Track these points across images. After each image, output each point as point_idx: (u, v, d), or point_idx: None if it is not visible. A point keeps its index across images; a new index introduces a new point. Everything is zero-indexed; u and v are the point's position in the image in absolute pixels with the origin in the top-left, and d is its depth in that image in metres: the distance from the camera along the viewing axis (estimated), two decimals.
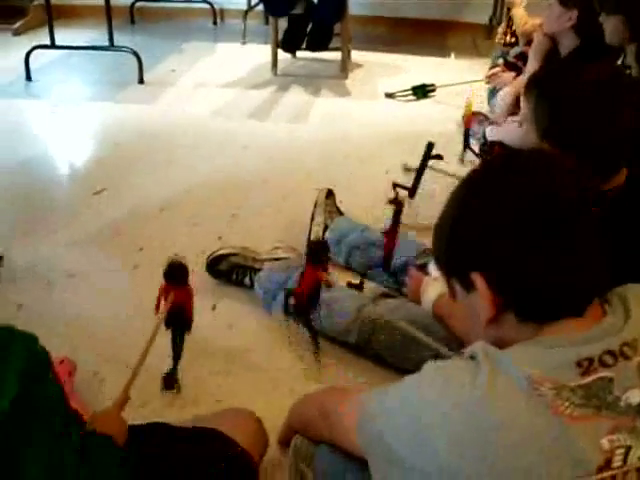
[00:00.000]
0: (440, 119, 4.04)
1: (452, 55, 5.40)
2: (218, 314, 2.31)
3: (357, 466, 1.23)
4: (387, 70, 5.02)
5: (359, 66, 5.20)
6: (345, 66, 4.99)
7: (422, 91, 4.45)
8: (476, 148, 3.43)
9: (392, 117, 4.22)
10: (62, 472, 1.07)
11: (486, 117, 3.72)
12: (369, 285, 2.36)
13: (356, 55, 5.29)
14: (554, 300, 1.00)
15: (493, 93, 3.92)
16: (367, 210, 2.90)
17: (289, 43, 4.88)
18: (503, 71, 3.96)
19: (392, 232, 2.35)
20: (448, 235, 1.10)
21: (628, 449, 0.91)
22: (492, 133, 3.40)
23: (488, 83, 4.05)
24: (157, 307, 1.86)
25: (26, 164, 3.44)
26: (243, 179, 3.31)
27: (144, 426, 1.52)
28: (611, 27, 2.45)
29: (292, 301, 2.10)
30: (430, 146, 2.78)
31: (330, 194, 2.78)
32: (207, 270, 2.43)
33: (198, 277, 2.39)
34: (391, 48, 5.40)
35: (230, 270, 2.41)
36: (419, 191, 2.72)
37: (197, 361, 2.08)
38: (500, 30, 4.48)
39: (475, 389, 0.94)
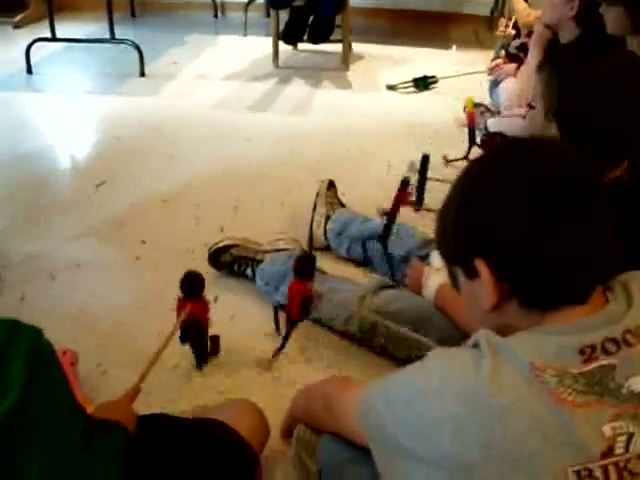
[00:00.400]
0: (442, 111, 4.03)
1: (453, 47, 5.39)
2: (220, 305, 2.30)
3: (360, 456, 1.23)
4: (388, 62, 5.01)
5: (360, 58, 5.19)
6: (346, 58, 4.98)
7: (423, 83, 4.45)
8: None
9: (394, 109, 4.21)
10: (67, 461, 1.07)
11: (488, 108, 3.72)
12: (370, 276, 2.36)
13: (357, 47, 5.28)
14: (558, 287, 1.00)
15: (495, 85, 3.92)
16: (369, 201, 2.89)
17: (290, 35, 4.88)
18: (505, 63, 3.96)
19: (396, 203, 2.33)
20: (452, 221, 1.09)
21: (630, 436, 0.91)
22: (494, 124, 3.40)
23: (490, 75, 4.05)
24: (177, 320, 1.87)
25: (27, 157, 3.44)
26: (245, 171, 3.31)
27: (146, 417, 1.52)
28: (612, 18, 2.44)
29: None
30: (425, 159, 2.78)
31: (332, 186, 2.78)
32: (209, 262, 2.43)
33: (200, 269, 2.39)
34: (392, 40, 5.40)
35: (232, 262, 2.41)
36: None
37: None
38: (502, 21, 4.47)
39: (478, 377, 0.94)
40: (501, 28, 4.35)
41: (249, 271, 2.38)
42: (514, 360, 0.95)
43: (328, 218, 2.60)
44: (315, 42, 4.86)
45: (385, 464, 1.09)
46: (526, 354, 0.94)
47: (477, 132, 3.38)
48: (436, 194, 2.82)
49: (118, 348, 2.09)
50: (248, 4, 5.78)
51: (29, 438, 1.00)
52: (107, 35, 4.80)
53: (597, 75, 1.61)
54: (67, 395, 1.11)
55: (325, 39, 4.83)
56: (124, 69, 4.70)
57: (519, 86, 3.61)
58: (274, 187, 3.14)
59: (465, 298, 1.15)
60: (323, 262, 2.42)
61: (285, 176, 3.26)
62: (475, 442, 0.92)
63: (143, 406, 1.61)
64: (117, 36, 4.81)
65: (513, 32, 4.24)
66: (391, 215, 2.31)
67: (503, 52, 4.15)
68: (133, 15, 6.19)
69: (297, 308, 1.98)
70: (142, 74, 4.65)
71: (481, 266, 1.02)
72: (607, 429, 0.91)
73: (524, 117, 3.20)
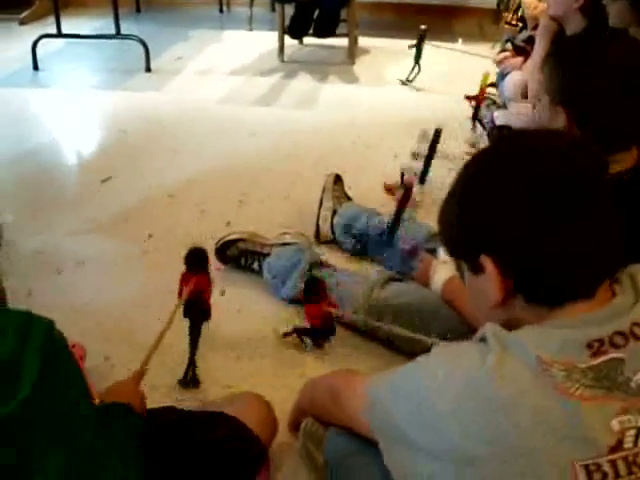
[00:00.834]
0: (448, 104, 4.02)
1: (459, 40, 5.38)
2: (227, 299, 2.31)
3: (366, 449, 1.23)
4: (394, 56, 4.99)
5: (366, 52, 5.18)
6: (352, 52, 4.97)
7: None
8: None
9: (399, 103, 4.20)
10: (85, 451, 1.07)
11: (494, 101, 3.71)
12: (377, 269, 2.36)
13: (363, 41, 5.27)
14: (561, 285, 0.99)
15: (502, 77, 3.90)
16: (375, 194, 2.89)
17: (296, 29, 4.87)
18: (513, 56, 3.95)
19: (402, 201, 2.33)
20: (457, 216, 1.08)
21: (638, 430, 0.91)
22: (501, 117, 3.39)
23: (497, 67, 4.04)
24: (180, 293, 1.89)
25: (34, 152, 3.44)
26: (251, 165, 3.30)
27: (154, 410, 1.53)
28: (615, 11, 2.43)
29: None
30: (438, 132, 2.78)
31: (338, 179, 2.78)
32: (216, 256, 2.43)
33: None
34: (398, 34, 5.37)
35: (239, 255, 2.41)
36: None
37: (206, 346, 2.08)
38: (508, 14, 4.46)
39: (484, 370, 0.94)
40: (507, 21, 4.34)
41: (256, 265, 2.39)
42: (521, 354, 0.94)
43: (334, 212, 2.60)
44: (321, 36, 4.86)
45: (392, 456, 1.09)
46: (533, 348, 0.94)
47: (484, 124, 3.39)
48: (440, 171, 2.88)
49: (125, 342, 2.09)
50: None
51: (45, 428, 1.01)
52: (112, 31, 4.81)
53: (602, 61, 1.62)
54: (82, 384, 1.12)
55: (331, 33, 4.83)
56: (129, 64, 4.70)
57: (525, 79, 3.60)
58: (280, 181, 3.14)
59: (469, 292, 1.15)
60: (330, 256, 2.43)
61: (291, 170, 3.25)
62: (480, 435, 0.92)
63: (151, 400, 1.61)
64: (122, 32, 4.81)
65: (519, 25, 4.23)
66: (395, 219, 2.31)
67: (509, 45, 4.14)
68: (138, 10, 6.19)
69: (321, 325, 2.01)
70: (147, 69, 4.65)
71: (487, 262, 1.02)
72: (615, 423, 0.90)
73: (534, 107, 3.19)
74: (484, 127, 3.45)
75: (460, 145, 3.32)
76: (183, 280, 1.90)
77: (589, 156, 1.02)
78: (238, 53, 5.11)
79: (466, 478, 0.94)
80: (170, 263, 2.13)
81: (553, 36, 3.16)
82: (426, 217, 2.57)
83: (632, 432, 0.90)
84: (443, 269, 2.01)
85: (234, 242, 2.42)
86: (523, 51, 3.85)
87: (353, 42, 5.00)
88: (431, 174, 2.90)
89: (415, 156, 3.12)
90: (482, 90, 3.41)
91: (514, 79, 3.71)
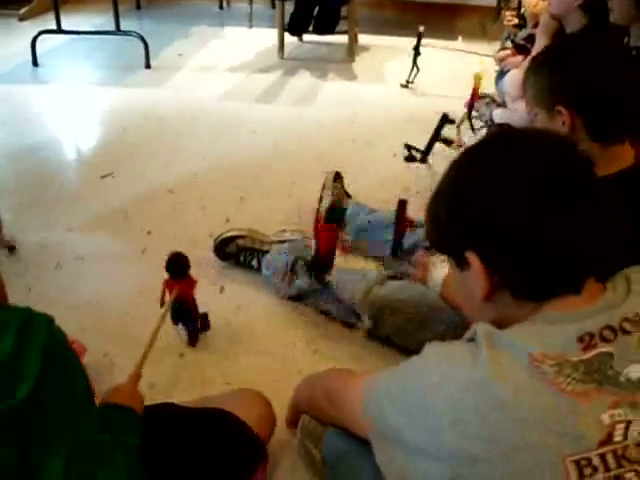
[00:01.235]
0: (447, 102, 4.02)
1: (459, 38, 5.37)
2: (226, 296, 2.31)
3: (365, 447, 1.23)
4: (394, 53, 5.00)
5: (366, 49, 5.19)
6: (352, 49, 4.98)
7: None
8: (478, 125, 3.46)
9: (399, 100, 4.21)
10: (87, 447, 1.08)
11: (493, 99, 3.71)
12: (376, 267, 2.36)
13: (363, 38, 5.28)
14: (549, 278, 0.99)
15: (501, 75, 3.90)
16: (375, 192, 2.89)
17: (296, 27, 4.88)
18: (513, 54, 3.95)
19: (399, 224, 2.33)
20: (444, 212, 1.08)
21: (628, 424, 0.91)
22: (500, 115, 3.39)
23: (498, 65, 4.03)
24: (162, 299, 1.93)
25: (33, 149, 3.44)
26: (251, 162, 3.31)
27: (153, 407, 1.53)
28: (618, 7, 2.43)
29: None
30: (445, 117, 2.80)
31: (338, 177, 2.77)
32: (215, 252, 2.43)
33: (206, 260, 2.40)
34: (398, 31, 5.38)
35: (238, 252, 2.41)
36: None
37: (205, 342, 2.09)
38: (508, 13, 4.45)
39: (476, 369, 0.95)
40: (507, 18, 4.34)
41: (254, 262, 2.39)
42: (513, 351, 0.94)
43: None
44: (320, 33, 4.86)
45: (385, 457, 1.08)
46: (525, 345, 0.94)
47: (480, 121, 3.40)
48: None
49: (124, 338, 2.10)
50: None
51: (47, 423, 1.01)
52: (112, 27, 4.81)
53: (594, 51, 1.68)
54: (83, 380, 1.12)
55: (330, 30, 4.83)
56: (129, 61, 4.70)
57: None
58: (280, 178, 3.14)
59: (457, 288, 1.15)
60: None
61: (291, 167, 3.25)
62: (476, 434, 0.92)
63: (149, 397, 1.61)
64: (122, 28, 4.81)
65: (518, 22, 4.23)
66: (396, 238, 2.31)
67: (509, 43, 4.14)
68: (138, 7, 6.19)
69: (325, 249, 2.05)
70: (147, 66, 4.65)
71: (472, 258, 1.02)
72: (606, 417, 0.91)
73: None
74: (472, 129, 3.46)
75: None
76: (166, 287, 1.94)
77: (576, 154, 1.03)
78: (238, 50, 5.11)
79: (462, 478, 0.94)
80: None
81: (553, 34, 3.17)
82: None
83: (622, 425, 0.91)
84: (441, 267, 2.01)
85: (233, 239, 2.42)
86: (523, 49, 3.84)
87: (353, 39, 5.01)
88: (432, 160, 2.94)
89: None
90: (475, 91, 3.40)
91: (514, 77, 3.71)
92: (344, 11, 4.84)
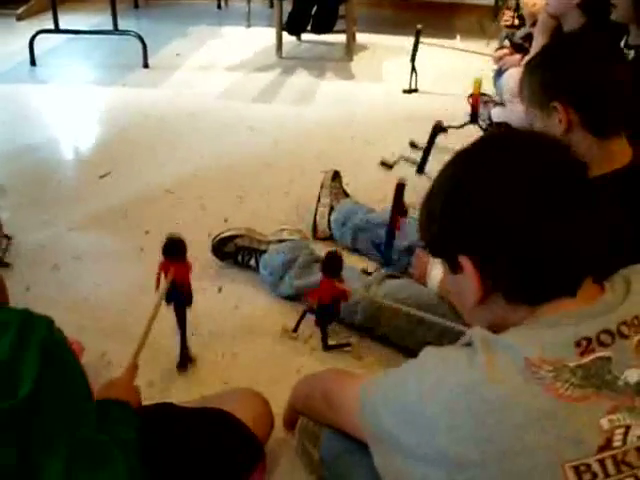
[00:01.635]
0: (445, 101, 4.03)
1: (458, 37, 5.38)
2: (224, 296, 2.31)
3: (363, 447, 1.23)
4: (392, 52, 5.00)
5: (364, 48, 5.19)
6: (350, 48, 4.98)
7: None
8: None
9: (397, 99, 4.21)
10: (87, 447, 1.08)
11: (491, 99, 3.71)
12: (374, 266, 2.37)
13: (361, 37, 5.29)
14: (546, 281, 0.99)
15: (499, 74, 3.90)
16: (373, 191, 2.89)
17: (294, 26, 4.88)
18: (511, 53, 3.95)
19: (395, 214, 2.32)
20: (438, 215, 1.06)
21: (627, 428, 0.90)
22: (498, 114, 3.39)
23: (496, 64, 4.04)
24: (157, 282, 1.88)
25: (32, 148, 3.44)
26: (249, 161, 3.31)
27: (150, 407, 1.53)
28: (622, 4, 2.40)
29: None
30: (437, 126, 2.80)
31: (336, 176, 2.78)
32: (213, 252, 2.43)
33: (204, 259, 2.40)
34: (396, 30, 5.38)
35: (236, 252, 2.41)
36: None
37: (203, 342, 2.09)
38: (506, 12, 4.46)
39: (472, 372, 0.94)
40: (505, 18, 4.34)
41: (252, 261, 2.39)
42: (509, 356, 0.94)
43: (332, 209, 2.60)
44: (319, 33, 4.86)
45: (383, 460, 1.08)
46: (522, 349, 0.94)
47: (480, 122, 3.39)
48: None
49: (122, 337, 2.09)
50: None
51: (46, 424, 1.01)
52: (110, 26, 4.80)
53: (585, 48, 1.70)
54: (82, 380, 1.12)
55: (329, 30, 4.83)
56: (127, 60, 4.70)
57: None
58: (278, 177, 3.14)
59: (451, 291, 1.15)
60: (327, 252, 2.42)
61: (289, 166, 3.25)
62: (471, 437, 0.92)
63: (148, 396, 1.62)
64: (120, 27, 4.80)
65: (513, 22, 4.24)
66: (391, 227, 2.31)
67: (507, 42, 4.14)
68: (136, 6, 6.19)
69: (328, 302, 1.99)
70: (145, 65, 4.65)
71: (465, 262, 1.01)
72: (605, 422, 0.90)
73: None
74: (480, 127, 3.45)
75: (460, 141, 3.31)
76: (162, 269, 1.90)
77: (571, 157, 1.02)
78: (236, 49, 5.12)
79: None
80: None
81: (551, 33, 3.17)
82: None
83: (621, 430, 0.90)
84: (440, 266, 2.01)
85: (231, 238, 2.42)
86: (521, 48, 3.85)
87: (351, 38, 5.01)
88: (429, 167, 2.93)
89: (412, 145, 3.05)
90: (475, 97, 3.37)
91: (512, 76, 3.71)
92: (342, 10, 4.84)
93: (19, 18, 5.65)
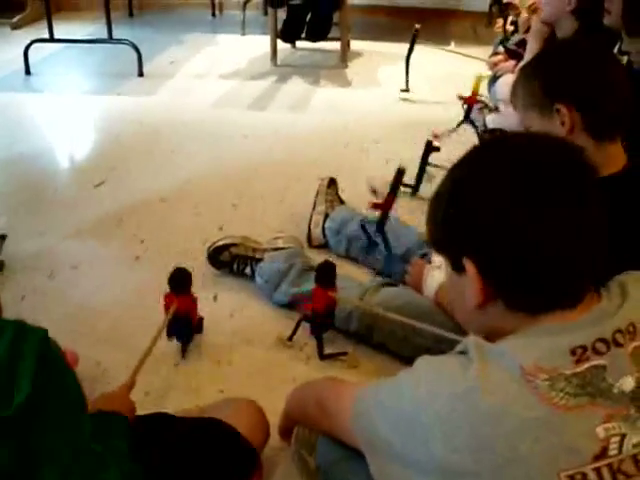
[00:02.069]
0: (440, 108, 4.03)
1: (452, 43, 5.38)
2: (220, 304, 2.31)
3: (359, 454, 1.23)
4: (386, 59, 5.01)
5: (358, 55, 5.20)
6: (344, 56, 4.99)
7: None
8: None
9: (392, 106, 4.21)
10: (83, 457, 1.07)
11: (486, 105, 3.72)
12: (369, 274, 2.37)
13: (355, 45, 5.29)
14: (546, 291, 0.98)
15: (493, 81, 3.91)
16: (368, 197, 2.88)
17: (288, 33, 4.88)
18: (506, 59, 3.96)
19: (391, 196, 2.32)
20: (443, 216, 1.06)
21: (623, 437, 0.90)
22: (493, 120, 3.40)
23: (490, 70, 4.05)
24: (165, 310, 1.94)
25: (26, 157, 3.44)
26: (244, 169, 3.31)
27: (145, 417, 1.52)
28: (617, 10, 2.40)
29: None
30: (429, 144, 2.80)
31: (332, 183, 2.78)
32: (208, 260, 2.43)
33: (199, 268, 2.40)
34: (390, 37, 5.39)
35: (231, 260, 2.41)
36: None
37: (199, 351, 2.09)
38: (499, 21, 4.47)
39: (465, 382, 0.94)
40: (498, 25, 4.35)
41: (248, 270, 2.38)
42: (504, 365, 0.93)
43: (327, 216, 2.60)
44: (313, 40, 4.86)
45: (378, 468, 1.08)
46: (517, 358, 0.93)
47: (476, 126, 3.41)
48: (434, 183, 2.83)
49: (117, 347, 2.09)
50: (246, 2, 5.78)
51: (41, 436, 1.01)
52: (105, 35, 4.80)
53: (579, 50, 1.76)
54: (76, 391, 1.12)
55: (323, 37, 4.84)
56: (122, 69, 4.70)
57: None
58: (273, 185, 3.14)
59: (450, 290, 1.15)
60: (321, 260, 2.41)
61: (284, 173, 3.25)
62: (466, 446, 0.91)
63: (143, 405, 1.61)
64: (115, 36, 4.81)
65: (504, 29, 4.25)
66: (387, 206, 2.31)
67: (501, 48, 4.15)
68: (131, 15, 6.20)
69: (322, 312, 1.99)
70: (140, 74, 4.65)
71: (468, 265, 1.01)
72: (600, 430, 0.90)
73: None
74: (476, 128, 3.47)
75: (455, 148, 3.32)
76: (166, 300, 1.94)
77: (580, 159, 1.01)
78: (231, 57, 5.12)
79: None
80: (163, 267, 2.13)
81: (545, 39, 3.17)
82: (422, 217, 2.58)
83: (616, 439, 0.90)
84: (436, 274, 2.01)
85: (227, 247, 2.41)
86: (515, 54, 3.86)
87: (346, 46, 5.02)
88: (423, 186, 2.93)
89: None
90: (474, 92, 3.43)
91: (507, 82, 3.71)
92: (336, 17, 4.85)
93: (14, 27, 5.65)
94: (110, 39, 4.80)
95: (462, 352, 1.00)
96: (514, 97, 1.80)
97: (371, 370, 2.02)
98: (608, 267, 1.01)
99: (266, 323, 2.22)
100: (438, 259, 2.07)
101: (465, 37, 5.53)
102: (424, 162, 2.90)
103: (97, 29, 5.32)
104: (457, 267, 1.04)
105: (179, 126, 3.85)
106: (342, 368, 2.03)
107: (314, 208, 2.67)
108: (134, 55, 4.61)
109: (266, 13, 5.70)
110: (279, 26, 4.83)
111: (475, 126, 3.48)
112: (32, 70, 4.64)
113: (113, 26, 4.78)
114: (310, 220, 2.63)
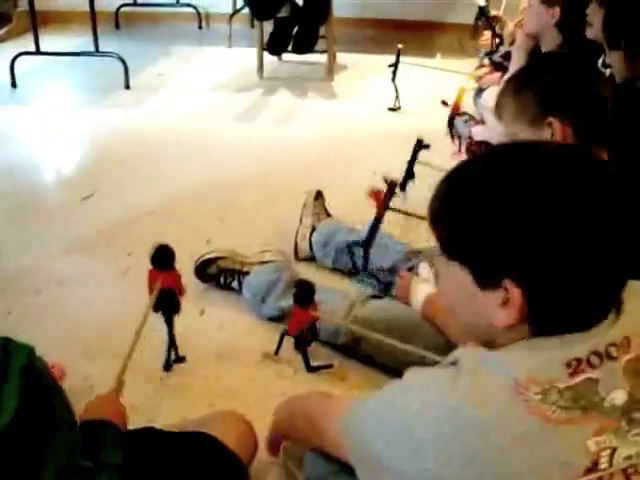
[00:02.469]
0: (426, 120, 4.04)
1: (438, 55, 5.40)
2: (207, 318, 2.31)
3: (347, 468, 1.23)
4: (373, 71, 5.01)
5: (345, 68, 5.21)
6: (331, 68, 5.00)
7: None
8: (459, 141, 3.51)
9: (379, 118, 4.23)
10: (69, 473, 1.07)
11: (472, 117, 3.73)
12: (356, 287, 2.38)
13: (342, 57, 5.29)
14: (581, 318, 0.95)
15: (479, 93, 3.92)
16: (355, 211, 2.90)
17: (275, 46, 4.89)
18: (491, 72, 3.98)
19: (380, 207, 2.33)
20: (474, 229, 0.97)
21: (613, 450, 0.90)
22: (479, 133, 3.41)
23: (476, 83, 4.06)
24: (150, 290, 1.94)
25: (13, 171, 3.43)
26: (231, 182, 3.31)
27: (134, 431, 1.52)
28: (598, 23, 2.42)
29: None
30: (419, 142, 2.81)
31: (319, 196, 2.78)
32: (195, 274, 2.43)
33: (186, 281, 2.39)
34: (376, 49, 5.40)
35: (218, 274, 2.41)
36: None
37: (186, 365, 2.08)
38: (485, 34, 4.48)
39: (455, 395, 0.93)
40: (483, 38, 4.37)
41: (235, 283, 2.38)
42: (496, 376, 0.93)
43: (314, 229, 2.60)
44: (300, 52, 4.87)
45: None
46: (511, 369, 0.92)
47: (462, 140, 3.42)
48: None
49: (105, 361, 2.08)
50: (232, 15, 5.78)
51: (28, 454, 1.00)
52: (92, 48, 4.79)
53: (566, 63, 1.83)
54: (64, 407, 1.12)
55: (309, 49, 4.85)
56: (109, 82, 4.70)
57: None
58: (260, 198, 3.14)
59: (455, 303, 1.07)
60: (309, 273, 2.43)
61: (271, 186, 3.26)
62: (458, 460, 0.91)
63: (131, 420, 1.61)
64: (102, 49, 4.80)
65: (491, 42, 4.28)
66: (378, 217, 2.32)
67: (487, 60, 4.17)
68: (117, 27, 6.19)
69: (304, 330, 1.99)
70: (127, 86, 4.65)
71: (511, 288, 0.94)
72: (591, 444, 0.89)
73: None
74: (459, 138, 3.49)
75: (441, 158, 3.33)
76: (151, 278, 1.94)
77: (598, 165, 0.99)
78: (218, 70, 5.13)
79: None
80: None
81: (529, 52, 3.19)
82: (408, 231, 2.60)
83: (607, 452, 0.90)
84: (423, 287, 2.02)
85: (214, 260, 2.42)
86: (501, 67, 3.87)
87: (332, 58, 5.02)
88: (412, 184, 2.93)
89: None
90: (457, 103, 3.44)
91: (493, 94, 3.73)
92: (323, 30, 4.87)
93: (0, 40, 5.64)
94: (97, 52, 4.79)
95: (453, 363, 0.99)
96: (499, 109, 1.82)
97: (359, 382, 2.02)
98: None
99: (254, 336, 2.23)
100: (425, 272, 2.08)
101: (451, 49, 5.55)
102: (413, 159, 2.90)
103: (84, 42, 5.30)
104: (486, 284, 0.97)
105: (166, 138, 3.85)
106: (330, 381, 2.03)
107: (301, 221, 2.67)
108: (121, 68, 4.61)
109: (253, 26, 5.71)
110: (266, 39, 4.84)
111: (459, 136, 3.49)
112: (18, 83, 4.63)
113: (100, 39, 4.78)
114: (297, 233, 2.63)
